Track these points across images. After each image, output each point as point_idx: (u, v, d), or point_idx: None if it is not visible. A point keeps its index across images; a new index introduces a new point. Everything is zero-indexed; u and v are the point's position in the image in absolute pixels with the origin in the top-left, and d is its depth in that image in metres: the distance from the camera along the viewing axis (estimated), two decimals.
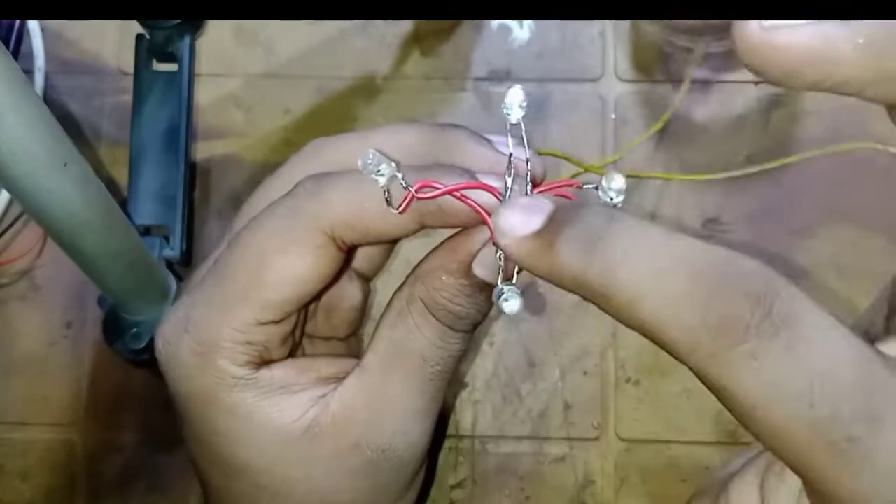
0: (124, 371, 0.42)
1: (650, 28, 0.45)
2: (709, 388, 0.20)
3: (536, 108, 0.44)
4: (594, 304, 0.21)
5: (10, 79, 0.26)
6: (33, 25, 0.44)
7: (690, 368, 0.20)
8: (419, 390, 0.29)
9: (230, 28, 0.46)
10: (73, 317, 0.43)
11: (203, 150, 0.45)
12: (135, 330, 0.39)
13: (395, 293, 0.29)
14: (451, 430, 0.42)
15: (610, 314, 0.21)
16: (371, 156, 0.25)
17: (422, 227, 0.28)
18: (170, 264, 0.41)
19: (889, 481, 0.19)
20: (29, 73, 0.44)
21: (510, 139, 0.26)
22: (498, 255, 0.26)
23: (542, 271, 0.22)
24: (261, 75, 0.45)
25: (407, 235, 0.28)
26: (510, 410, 0.42)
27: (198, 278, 0.30)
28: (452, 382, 0.42)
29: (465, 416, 0.42)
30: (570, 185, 0.27)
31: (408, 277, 0.29)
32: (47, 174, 0.28)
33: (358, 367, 0.29)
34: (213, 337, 0.28)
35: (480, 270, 0.27)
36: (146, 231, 0.42)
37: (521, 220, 0.22)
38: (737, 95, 0.44)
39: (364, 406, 0.29)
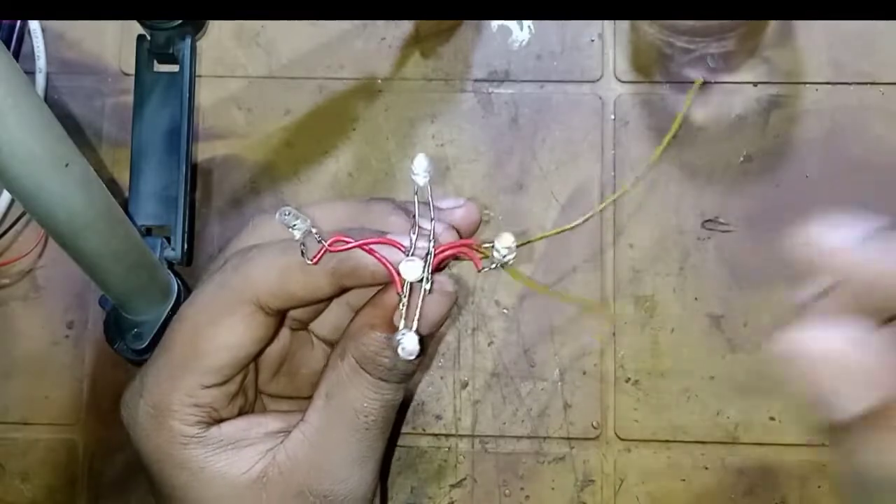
0: (125, 371, 0.42)
1: (649, 29, 0.45)
2: None
3: (536, 110, 0.44)
4: None
5: (11, 79, 0.26)
6: (34, 26, 0.44)
7: None
8: (356, 440, 0.31)
9: (231, 29, 0.46)
10: (75, 317, 0.43)
11: (204, 151, 0.45)
12: (136, 330, 0.39)
13: (331, 352, 0.32)
14: (451, 430, 0.42)
15: None
16: (287, 211, 0.27)
17: (341, 290, 0.30)
18: (171, 265, 0.42)
19: None
20: (30, 73, 0.44)
21: (417, 202, 0.28)
22: (401, 304, 0.27)
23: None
24: (262, 76, 0.45)
25: (328, 298, 0.31)
26: (510, 410, 0.42)
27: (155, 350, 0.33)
28: (453, 382, 0.42)
29: (465, 416, 0.42)
30: (468, 245, 0.29)
31: (341, 336, 0.32)
32: (48, 175, 0.28)
33: (301, 421, 0.32)
34: (163, 401, 0.31)
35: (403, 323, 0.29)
36: (147, 231, 0.42)
37: (838, 231, 0.21)
38: (736, 96, 0.44)
39: (305, 456, 0.31)
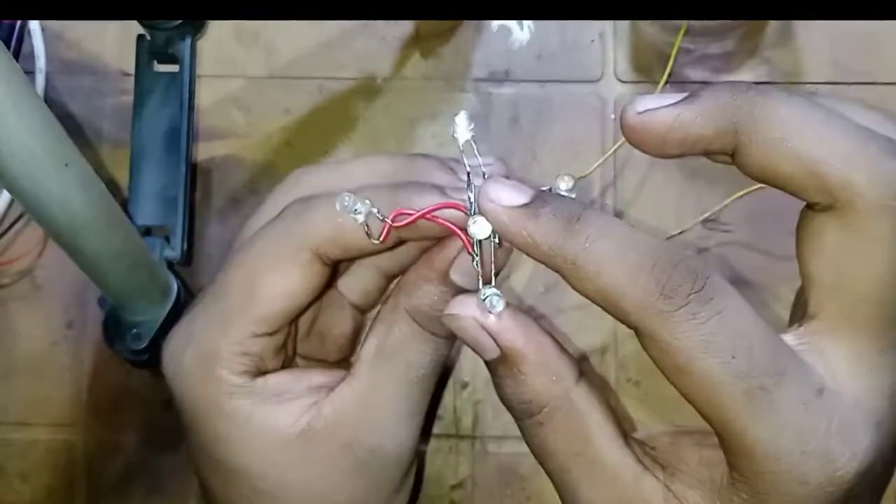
0: (125, 372, 0.42)
1: (650, 29, 0.45)
2: (648, 346, 0.24)
3: (536, 110, 0.44)
4: (559, 272, 0.24)
5: (11, 79, 0.26)
6: (34, 26, 0.44)
7: (636, 329, 0.24)
8: (405, 393, 0.31)
9: (231, 29, 0.46)
10: (74, 317, 0.43)
11: (204, 151, 0.45)
12: (135, 331, 0.39)
13: (381, 304, 0.32)
14: (451, 430, 0.42)
15: (571, 282, 0.24)
16: (347, 198, 0.27)
17: (400, 242, 0.30)
18: (171, 265, 0.41)
19: (786, 428, 0.23)
20: (30, 73, 0.44)
21: (465, 160, 0.28)
22: (475, 263, 0.27)
23: (521, 239, 0.25)
24: (261, 76, 0.45)
25: (386, 251, 0.31)
26: None
27: (200, 298, 0.33)
28: (454, 382, 0.42)
29: (465, 416, 0.42)
30: None
31: (393, 289, 0.32)
32: (48, 175, 0.28)
33: (348, 375, 0.31)
34: (213, 349, 0.31)
35: (458, 277, 0.30)
36: (147, 232, 0.42)
37: (509, 193, 0.25)
38: None
39: (353, 410, 0.31)
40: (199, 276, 0.43)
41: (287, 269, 0.30)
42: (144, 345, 0.39)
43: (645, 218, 0.43)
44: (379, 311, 0.32)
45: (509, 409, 0.27)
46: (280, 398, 0.31)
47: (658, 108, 0.26)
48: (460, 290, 0.30)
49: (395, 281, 0.34)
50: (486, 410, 0.42)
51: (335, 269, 0.32)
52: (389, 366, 0.31)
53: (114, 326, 0.40)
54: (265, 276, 0.30)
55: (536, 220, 0.25)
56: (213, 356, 0.30)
